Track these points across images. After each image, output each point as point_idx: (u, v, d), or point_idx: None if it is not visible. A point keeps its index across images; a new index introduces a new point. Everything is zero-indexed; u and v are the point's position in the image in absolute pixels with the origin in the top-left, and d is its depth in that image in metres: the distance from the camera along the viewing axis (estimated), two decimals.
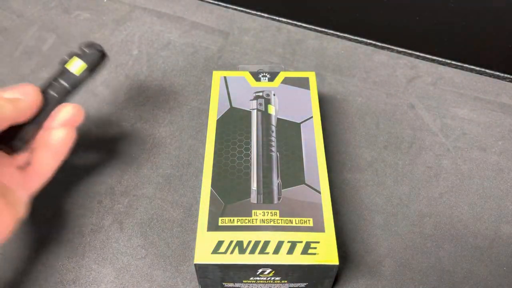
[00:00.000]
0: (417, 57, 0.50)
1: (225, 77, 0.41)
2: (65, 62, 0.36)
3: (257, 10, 0.55)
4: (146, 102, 0.46)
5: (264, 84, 0.40)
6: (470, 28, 0.52)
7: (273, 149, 0.35)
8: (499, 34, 0.52)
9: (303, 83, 0.40)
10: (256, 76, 0.40)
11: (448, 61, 0.50)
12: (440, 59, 0.50)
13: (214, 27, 0.54)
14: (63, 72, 0.35)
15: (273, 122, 0.37)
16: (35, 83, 0.46)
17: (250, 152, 0.35)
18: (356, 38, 0.52)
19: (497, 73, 0.49)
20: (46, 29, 0.52)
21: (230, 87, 0.40)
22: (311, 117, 0.37)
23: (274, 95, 0.39)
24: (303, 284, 0.31)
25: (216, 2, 0.56)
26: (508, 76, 0.48)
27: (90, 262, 0.35)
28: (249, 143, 0.35)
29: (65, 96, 0.35)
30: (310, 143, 0.35)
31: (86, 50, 0.36)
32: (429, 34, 0.53)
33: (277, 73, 0.41)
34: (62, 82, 0.35)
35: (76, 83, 0.35)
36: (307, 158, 0.34)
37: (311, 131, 0.36)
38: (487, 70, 0.49)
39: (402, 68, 0.49)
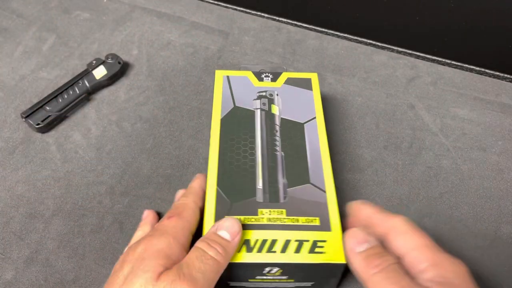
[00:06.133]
0: (417, 57, 0.50)
1: (227, 77, 0.40)
2: (92, 67, 0.45)
3: (257, 10, 0.55)
4: (146, 102, 0.46)
5: (267, 84, 0.40)
6: (470, 28, 0.52)
7: (278, 148, 0.35)
8: (499, 34, 0.52)
9: (305, 84, 0.40)
10: (258, 76, 0.40)
11: (448, 61, 0.50)
12: (440, 59, 0.50)
13: (214, 27, 0.54)
14: (88, 74, 0.45)
15: (277, 121, 0.37)
16: (36, 82, 0.47)
17: (255, 151, 0.35)
18: (356, 38, 0.52)
19: (497, 73, 0.49)
20: (46, 29, 0.52)
21: (233, 86, 0.40)
22: (315, 117, 0.37)
23: (277, 95, 0.39)
24: (309, 283, 0.31)
25: (216, 2, 0.56)
26: (508, 76, 0.48)
27: (90, 262, 0.35)
28: (253, 142, 0.35)
29: (85, 93, 0.44)
30: (314, 142, 0.35)
31: (110, 60, 0.46)
32: (429, 34, 0.53)
33: (280, 74, 0.41)
34: (85, 82, 0.45)
35: (95, 85, 0.45)
36: (311, 157, 0.34)
37: (314, 131, 0.36)
38: (487, 70, 0.49)
39: (402, 68, 0.49)
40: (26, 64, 0.49)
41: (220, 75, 0.41)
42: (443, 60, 0.50)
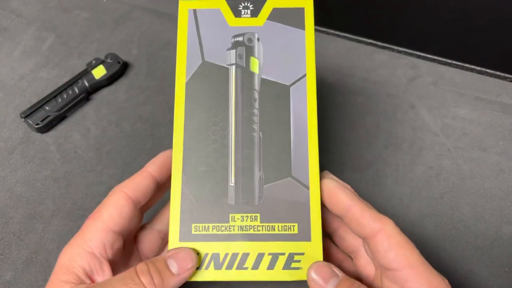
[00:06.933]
0: (418, 56, 0.50)
1: (194, 11, 0.30)
2: (91, 66, 0.45)
3: None
4: (146, 102, 0.46)
5: (246, 21, 0.30)
6: (470, 28, 0.52)
7: (256, 127, 0.28)
8: (500, 34, 0.52)
9: (296, 18, 0.30)
10: (235, 8, 0.30)
11: (449, 61, 0.50)
12: (440, 58, 0.50)
13: None
14: (87, 74, 0.45)
15: (256, 85, 0.29)
16: (35, 82, 0.47)
17: (227, 132, 0.28)
18: (356, 38, 0.52)
19: (498, 73, 0.48)
20: (45, 28, 0.52)
21: (201, 28, 0.30)
22: (304, 75, 0.29)
23: (258, 40, 0.30)
24: None
25: None
26: (509, 76, 0.48)
27: None
28: (226, 118, 0.28)
29: (84, 93, 0.44)
30: (301, 117, 0.28)
31: (109, 60, 0.46)
32: (429, 33, 0.53)
33: (264, 2, 0.30)
34: (85, 82, 0.45)
35: (95, 85, 0.45)
36: (295, 139, 0.28)
37: (303, 98, 0.29)
38: (488, 70, 0.49)
39: (402, 68, 0.49)
40: (25, 64, 0.48)
41: (184, 9, 0.30)
42: (444, 60, 0.50)
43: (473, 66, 0.49)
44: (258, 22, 0.30)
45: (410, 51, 0.51)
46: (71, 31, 0.52)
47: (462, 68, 0.49)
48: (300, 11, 0.30)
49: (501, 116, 0.45)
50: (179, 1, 0.31)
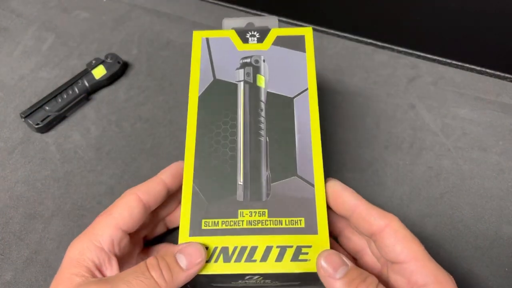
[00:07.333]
0: (418, 56, 0.50)
1: (207, 39, 0.35)
2: (91, 66, 0.45)
3: (257, 10, 0.55)
4: (146, 102, 0.46)
5: (253, 46, 0.34)
6: (470, 28, 0.52)
7: (262, 132, 0.31)
8: (500, 34, 0.52)
9: (298, 44, 0.34)
10: (243, 36, 0.35)
11: (449, 60, 0.50)
12: (440, 58, 0.50)
13: (214, 27, 0.53)
14: (87, 74, 0.45)
15: (263, 97, 0.32)
16: (35, 82, 0.47)
17: (236, 137, 0.31)
18: (356, 37, 0.52)
19: (498, 73, 0.48)
20: (45, 28, 0.52)
21: (213, 52, 0.34)
22: (307, 89, 0.32)
23: (264, 61, 0.34)
24: (296, 282, 0.30)
25: (216, 2, 0.56)
26: (509, 76, 0.48)
27: None
28: (235, 126, 0.31)
29: (84, 93, 0.44)
30: (304, 123, 0.31)
31: (109, 60, 0.46)
32: (429, 33, 0.53)
33: (268, 31, 0.35)
34: (85, 82, 0.45)
35: (95, 85, 0.45)
36: (300, 143, 0.30)
37: (305, 108, 0.32)
38: (488, 70, 0.49)
39: (402, 68, 0.49)
40: (25, 64, 0.48)
41: (198, 37, 0.35)
42: (444, 59, 0.50)
43: (473, 66, 0.49)
44: (264, 47, 0.34)
45: (410, 51, 0.51)
46: (71, 31, 0.52)
47: (462, 68, 0.49)
48: (301, 38, 0.35)
49: (501, 116, 0.45)
50: (193, 31, 0.35)
